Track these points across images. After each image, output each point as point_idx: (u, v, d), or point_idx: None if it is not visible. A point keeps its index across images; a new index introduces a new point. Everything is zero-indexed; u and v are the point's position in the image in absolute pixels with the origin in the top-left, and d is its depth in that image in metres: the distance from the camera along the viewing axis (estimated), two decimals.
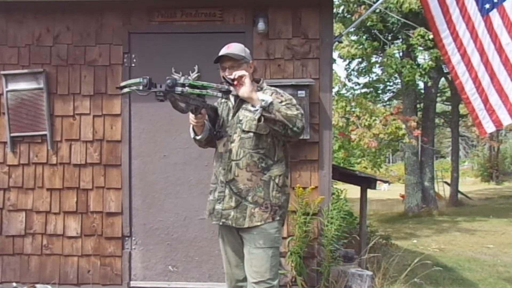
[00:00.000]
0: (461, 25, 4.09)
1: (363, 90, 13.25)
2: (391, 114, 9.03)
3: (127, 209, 4.00)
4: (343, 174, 5.03)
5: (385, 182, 7.59)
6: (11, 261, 4.06)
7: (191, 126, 2.49)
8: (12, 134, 4.03)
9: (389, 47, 10.61)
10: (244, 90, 2.22)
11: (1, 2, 3.93)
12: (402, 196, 13.82)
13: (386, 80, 13.94)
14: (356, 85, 13.38)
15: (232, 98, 2.51)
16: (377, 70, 12.94)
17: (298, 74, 3.94)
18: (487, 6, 3.98)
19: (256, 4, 3.94)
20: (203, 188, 3.86)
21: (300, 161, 3.91)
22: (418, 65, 10.91)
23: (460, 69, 4.13)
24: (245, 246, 2.44)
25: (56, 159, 4.04)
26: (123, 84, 2.16)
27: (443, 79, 14.69)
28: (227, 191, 2.43)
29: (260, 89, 2.50)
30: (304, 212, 3.77)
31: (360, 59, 12.01)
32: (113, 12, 4.03)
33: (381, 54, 11.49)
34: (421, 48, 10.51)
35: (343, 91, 11.55)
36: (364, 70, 12.35)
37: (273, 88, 2.52)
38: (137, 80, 2.06)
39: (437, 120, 17.37)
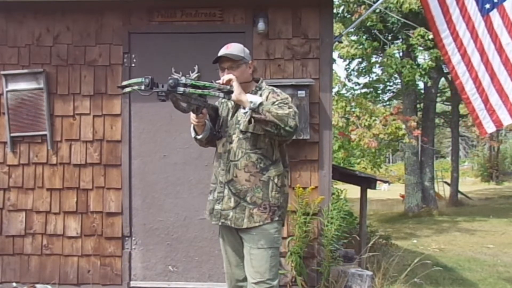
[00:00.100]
0: (461, 25, 4.09)
1: (363, 90, 13.24)
2: (391, 114, 9.03)
3: (127, 209, 4.00)
4: (343, 174, 5.03)
5: (385, 182, 7.58)
6: (11, 261, 4.06)
7: (192, 125, 2.49)
8: (12, 134, 4.03)
9: (389, 47, 10.61)
10: (233, 94, 2.24)
11: (1, 2, 3.93)
12: (402, 196, 13.82)
13: (386, 80, 13.94)
14: (356, 85, 13.40)
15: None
16: (377, 70, 12.96)
17: (298, 74, 3.94)
18: (487, 6, 3.98)
19: (256, 4, 3.94)
20: (203, 188, 3.86)
21: (300, 161, 3.91)
22: (418, 65, 10.91)
23: (460, 69, 4.13)
24: (245, 246, 2.44)
25: (56, 159, 4.04)
26: (125, 83, 2.16)
27: (443, 79, 14.70)
28: (226, 191, 2.43)
29: (259, 88, 2.50)
30: (304, 212, 3.77)
31: (360, 59, 12.01)
32: (113, 12, 4.03)
33: (381, 54, 11.49)
34: (421, 48, 10.51)
35: (343, 91, 11.55)
36: (364, 70, 12.34)
37: (270, 87, 2.52)
38: (139, 79, 2.06)
39: (437, 120, 17.38)
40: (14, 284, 4.04)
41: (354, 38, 11.35)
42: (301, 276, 3.76)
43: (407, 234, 9.00)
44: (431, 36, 8.19)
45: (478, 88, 4.08)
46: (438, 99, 16.12)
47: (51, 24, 4.06)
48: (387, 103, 16.02)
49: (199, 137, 2.51)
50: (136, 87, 2.08)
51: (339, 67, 55.11)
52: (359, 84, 13.72)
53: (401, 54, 11.45)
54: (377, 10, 9.61)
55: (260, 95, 2.45)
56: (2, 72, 4.02)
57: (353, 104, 9.18)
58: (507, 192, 19.36)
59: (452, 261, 6.19)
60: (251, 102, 2.20)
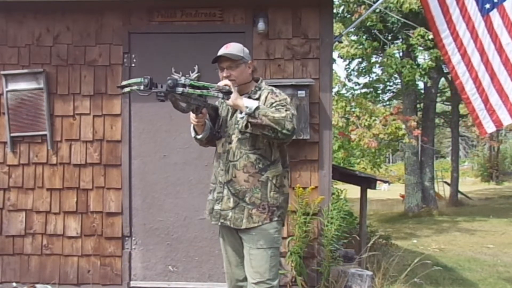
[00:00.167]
0: (461, 25, 4.09)
1: (363, 90, 13.24)
2: (391, 114, 9.03)
3: (127, 209, 4.00)
4: (343, 174, 5.03)
5: (385, 182, 7.59)
6: (11, 261, 4.06)
7: (192, 125, 2.49)
8: (12, 134, 4.03)
9: (389, 47, 10.61)
10: (229, 99, 2.25)
11: (1, 2, 3.93)
12: (402, 196, 13.82)
13: (386, 80, 13.94)
14: (356, 85, 13.39)
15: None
16: (377, 70, 12.96)
17: (298, 74, 3.94)
18: (487, 6, 3.98)
19: (256, 4, 3.94)
20: (203, 188, 3.86)
21: (300, 161, 3.91)
22: (418, 65, 10.90)
23: (460, 69, 4.13)
24: (245, 246, 2.44)
25: (56, 159, 4.04)
26: (124, 83, 2.16)
27: (443, 79, 14.70)
28: (225, 191, 2.43)
29: (259, 88, 2.50)
30: (304, 212, 3.77)
31: (360, 59, 12.00)
32: (113, 12, 4.03)
33: (381, 54, 11.49)
34: (421, 48, 10.51)
35: (343, 91, 11.55)
36: (364, 70, 12.34)
37: (270, 87, 2.51)
38: (138, 80, 2.06)
39: (437, 120, 17.38)
40: (14, 284, 4.04)
41: (354, 38, 11.35)
42: (301, 276, 3.76)
43: (407, 234, 9.00)
44: (431, 36, 8.19)
45: (478, 88, 4.08)
46: (438, 99, 16.11)
47: (51, 24, 4.06)
48: (387, 103, 16.01)
49: (199, 137, 2.51)
50: (135, 87, 2.08)
51: (339, 67, 55.12)
52: (359, 84, 13.73)
53: (401, 54, 11.45)
54: (377, 10, 9.61)
55: (260, 95, 2.45)
56: (2, 72, 4.02)
57: (353, 104, 9.18)
58: (507, 192, 19.36)
59: (452, 261, 6.19)
60: (247, 107, 2.20)
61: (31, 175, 4.05)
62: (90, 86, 4.03)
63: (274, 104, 2.34)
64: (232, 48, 2.45)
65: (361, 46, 9.82)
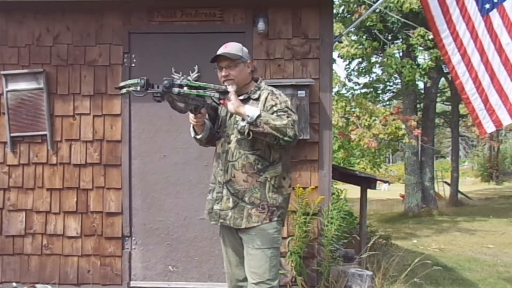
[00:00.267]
0: (461, 25, 4.09)
1: (363, 90, 13.24)
2: (391, 114, 9.02)
3: (127, 209, 4.00)
4: (343, 174, 5.03)
5: (385, 182, 7.59)
6: (11, 261, 4.06)
7: (192, 125, 2.49)
8: (12, 134, 4.03)
9: (389, 47, 10.61)
10: (230, 107, 2.26)
11: (1, 2, 3.93)
12: (402, 196, 13.82)
13: (386, 80, 13.94)
14: (356, 85, 13.40)
15: None
16: (377, 70, 12.96)
17: (298, 74, 3.94)
18: (487, 6, 3.98)
19: (256, 4, 3.94)
20: (203, 188, 3.85)
21: (300, 161, 3.91)
22: (418, 65, 10.90)
23: (460, 69, 4.13)
24: (244, 247, 2.44)
25: (56, 159, 4.04)
26: (121, 84, 2.16)
27: (443, 79, 14.69)
28: (225, 191, 2.43)
29: (258, 88, 2.49)
30: (304, 212, 3.77)
31: (360, 59, 12.00)
32: (113, 12, 4.03)
33: (381, 54, 11.49)
34: (421, 48, 10.52)
35: (343, 91, 11.55)
36: (364, 70, 12.34)
37: (270, 88, 2.50)
38: (135, 81, 2.06)
39: (437, 120, 17.38)
40: (14, 284, 4.04)
41: (354, 38, 11.35)
42: (301, 276, 3.76)
43: (407, 234, 9.00)
44: (431, 36, 8.20)
45: (478, 88, 4.08)
46: (438, 99, 16.11)
47: (51, 24, 4.06)
48: (387, 103, 16.02)
49: (198, 137, 2.51)
50: (131, 88, 2.08)
51: (339, 67, 55.12)
52: (359, 84, 13.73)
53: (401, 54, 11.45)
54: (377, 10, 9.61)
55: (259, 95, 2.45)
56: (2, 72, 4.02)
57: (353, 104, 9.18)
58: (507, 192, 19.36)
59: (452, 261, 6.19)
60: (248, 116, 2.20)
61: (31, 175, 4.05)
62: (90, 86, 4.04)
63: (275, 109, 2.34)
64: (231, 47, 2.45)
65: (361, 46, 9.82)
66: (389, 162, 31.53)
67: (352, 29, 10.72)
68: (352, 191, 6.31)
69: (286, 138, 2.25)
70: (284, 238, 3.74)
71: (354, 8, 9.98)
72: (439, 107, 18.68)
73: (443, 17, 4.15)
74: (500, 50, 3.95)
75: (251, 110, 2.23)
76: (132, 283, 4.00)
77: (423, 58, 11.81)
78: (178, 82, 2.08)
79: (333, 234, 3.74)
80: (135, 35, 4.03)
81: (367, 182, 4.88)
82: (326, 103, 3.93)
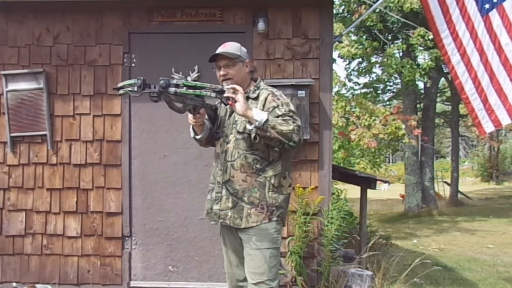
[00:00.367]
0: (461, 25, 4.10)
1: (363, 90, 13.24)
2: (391, 114, 9.02)
3: (127, 209, 4.00)
4: (343, 174, 5.03)
5: (385, 182, 7.59)
6: (11, 261, 4.06)
7: (191, 125, 2.49)
8: (12, 134, 4.03)
9: (389, 47, 10.61)
10: (239, 109, 2.21)
11: (1, 2, 3.93)
12: (402, 196, 13.82)
13: (386, 80, 13.94)
14: (356, 85, 13.39)
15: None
16: (377, 70, 12.96)
17: (298, 74, 3.94)
18: (487, 6, 3.98)
19: (256, 4, 3.94)
20: (203, 188, 3.85)
21: (300, 161, 3.91)
22: (418, 65, 10.91)
23: (460, 69, 4.14)
24: (244, 247, 2.43)
25: (56, 159, 4.04)
26: (119, 85, 2.17)
27: (443, 79, 14.69)
28: (224, 191, 2.43)
29: (257, 88, 2.49)
30: (304, 212, 3.77)
31: (360, 59, 12.01)
32: (113, 12, 4.03)
33: (381, 54, 11.49)
34: (421, 48, 10.52)
35: (343, 91, 11.55)
36: (364, 70, 12.35)
37: (270, 89, 2.49)
38: (132, 81, 2.07)
39: (437, 120, 17.38)
40: (14, 284, 4.04)
41: (354, 38, 11.35)
42: (301, 276, 3.76)
43: (407, 234, 9.00)
44: (431, 36, 8.20)
45: (477, 88, 4.08)
46: (438, 99, 16.11)
47: (51, 24, 4.06)
48: (387, 103, 16.02)
49: (198, 137, 2.51)
50: (129, 89, 2.08)
51: (339, 67, 55.12)
52: (359, 84, 13.73)
53: (401, 54, 11.45)
54: (377, 10, 9.61)
55: (258, 95, 2.45)
56: (2, 72, 4.02)
57: (353, 104, 9.18)
58: (507, 192, 19.36)
59: (452, 261, 6.19)
60: (256, 120, 2.18)
61: (31, 175, 4.05)
62: (90, 86, 4.04)
63: (278, 112, 2.33)
64: (229, 47, 2.45)
65: (361, 46, 9.82)
66: (389, 162, 31.54)
67: (352, 29, 10.72)
68: (352, 191, 6.31)
69: (291, 143, 2.26)
70: (284, 238, 3.74)
71: (354, 8, 9.98)
72: (439, 107, 18.69)
73: (443, 17, 4.16)
74: (499, 50, 3.95)
75: (260, 114, 2.21)
76: (132, 283, 4.00)
77: (423, 58, 11.82)
78: (175, 82, 2.08)
79: (333, 234, 3.74)
80: (135, 35, 4.03)
81: (367, 182, 4.88)
82: (326, 103, 3.93)
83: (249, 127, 2.24)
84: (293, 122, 2.30)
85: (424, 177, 13.29)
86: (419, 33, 9.49)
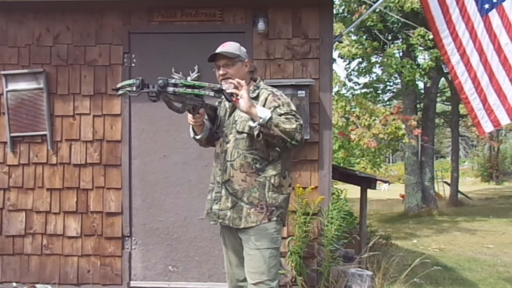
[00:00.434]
0: (460, 25, 4.10)
1: (363, 90, 13.24)
2: (391, 114, 9.02)
3: (127, 209, 4.01)
4: (343, 174, 5.03)
5: (385, 182, 7.59)
6: (11, 261, 4.06)
7: (191, 125, 2.49)
8: (12, 134, 4.03)
9: (389, 47, 10.61)
10: (243, 105, 2.19)
11: (1, 2, 3.93)
12: (402, 196, 13.81)
13: (386, 80, 13.93)
14: (356, 85, 13.40)
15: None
16: (377, 70, 12.96)
17: (298, 74, 3.94)
18: (487, 6, 3.98)
19: (256, 4, 3.94)
20: (203, 188, 3.86)
21: (300, 161, 3.91)
22: (418, 65, 10.90)
23: (459, 69, 4.14)
24: (244, 247, 2.43)
25: (56, 159, 4.04)
26: (118, 85, 2.17)
27: (443, 79, 14.69)
28: (223, 191, 2.42)
29: (257, 88, 2.49)
30: (304, 212, 3.77)
31: (360, 59, 12.01)
32: (113, 12, 4.03)
33: (381, 54, 11.49)
34: (421, 48, 10.51)
35: (343, 91, 11.55)
36: (364, 70, 12.35)
37: (270, 89, 2.49)
38: (131, 81, 2.07)
39: (437, 120, 17.38)
40: (14, 284, 4.04)
41: (354, 38, 11.35)
42: (301, 276, 3.76)
43: (407, 234, 9.00)
44: (431, 36, 8.19)
45: (476, 88, 4.08)
46: (438, 99, 16.11)
47: (51, 24, 4.06)
48: (387, 103, 16.02)
49: (198, 137, 2.51)
50: (127, 89, 2.09)
51: (339, 67, 55.14)
52: (359, 84, 13.73)
53: (401, 54, 11.45)
54: (377, 10, 9.61)
55: (258, 95, 2.45)
56: (2, 72, 4.02)
57: (353, 104, 9.18)
58: (507, 192, 19.36)
59: (452, 261, 6.19)
60: (260, 117, 2.17)
61: (31, 175, 4.05)
62: (90, 86, 4.04)
63: (280, 111, 2.32)
64: (229, 46, 2.46)
65: (361, 46, 9.82)
66: (389, 162, 31.55)
67: (352, 29, 10.72)
68: (352, 191, 6.31)
69: (293, 142, 2.26)
70: (284, 238, 3.73)
71: (354, 8, 9.98)
72: (439, 107, 18.69)
73: (443, 17, 4.16)
74: (499, 50, 3.95)
75: (263, 112, 2.20)
76: (132, 283, 4.00)
77: (423, 58, 11.82)
78: (173, 81, 2.08)
79: (333, 234, 3.74)
80: (135, 35, 4.03)
81: (367, 182, 4.88)
82: (326, 103, 3.94)
83: (252, 124, 2.22)
84: (296, 121, 2.30)
85: (424, 177, 13.29)
86: (419, 33, 9.49)
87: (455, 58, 4.16)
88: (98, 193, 4.03)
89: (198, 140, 2.54)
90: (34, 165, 4.05)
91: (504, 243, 7.87)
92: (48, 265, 4.05)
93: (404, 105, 12.68)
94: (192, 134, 2.55)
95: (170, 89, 2.06)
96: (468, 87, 4.12)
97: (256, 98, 2.43)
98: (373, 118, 8.64)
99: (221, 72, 2.43)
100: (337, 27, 8.60)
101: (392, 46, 10.69)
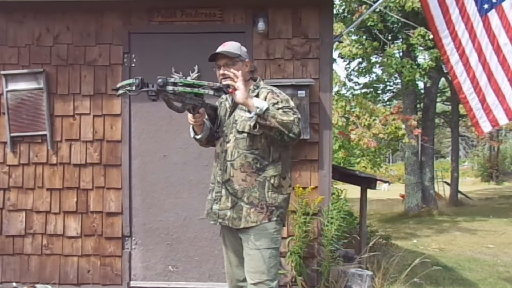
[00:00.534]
0: (460, 25, 4.10)
1: (363, 90, 13.24)
2: (391, 113, 9.02)
3: (127, 209, 4.01)
4: (343, 174, 5.03)
5: (385, 182, 7.60)
6: (11, 261, 4.06)
7: (191, 125, 2.49)
8: (12, 134, 4.04)
9: (389, 47, 10.61)
10: (239, 96, 2.19)
11: (1, 2, 3.93)
12: (402, 196, 13.81)
13: (386, 80, 13.93)
14: (356, 85, 13.39)
15: (229, 98, 2.50)
16: (377, 70, 12.95)
17: (298, 74, 3.94)
18: (486, 6, 3.98)
19: (256, 4, 3.94)
20: (203, 188, 3.86)
21: (300, 161, 3.91)
22: (418, 65, 10.90)
23: (458, 69, 4.14)
24: (244, 247, 2.43)
25: (56, 159, 4.04)
26: (118, 85, 2.17)
27: (443, 79, 14.70)
28: (223, 191, 2.43)
29: (257, 87, 2.49)
30: (304, 212, 3.77)
31: (360, 59, 12.00)
32: (113, 12, 4.03)
33: (381, 54, 11.49)
34: (421, 48, 10.51)
35: (343, 91, 11.55)
36: (364, 70, 12.35)
37: (269, 87, 2.49)
38: (130, 81, 2.07)
39: (437, 120, 17.38)
40: (14, 284, 4.04)
41: (354, 37, 11.35)
42: (301, 276, 3.76)
43: (407, 234, 9.00)
44: (431, 36, 8.17)
45: (475, 88, 4.09)
46: (438, 99, 16.12)
47: (51, 24, 4.07)
48: (387, 103, 16.02)
49: (198, 137, 2.51)
50: (127, 88, 2.09)
51: (339, 67, 55.14)
52: (359, 84, 13.74)
53: (401, 54, 11.45)
54: (377, 10, 9.61)
55: (257, 94, 2.44)
56: (2, 72, 4.02)
57: (353, 104, 9.17)
58: (507, 192, 19.36)
59: (452, 261, 6.19)
60: (257, 107, 2.17)
61: (31, 175, 4.05)
62: (90, 86, 4.04)
63: (279, 106, 2.32)
64: (229, 46, 2.46)
65: (361, 46, 9.82)
66: (389, 162, 31.53)
67: (352, 29, 10.72)
68: (352, 191, 6.31)
69: (291, 135, 2.24)
70: (284, 238, 3.74)
71: (354, 8, 9.97)
72: (439, 107, 18.69)
73: (443, 17, 4.16)
74: (497, 50, 3.95)
75: (260, 103, 2.20)
76: (132, 283, 4.01)
77: (423, 58, 11.82)
78: (172, 80, 2.08)
79: (333, 234, 3.74)
80: (135, 35, 4.03)
81: (367, 182, 4.88)
82: (326, 103, 3.94)
83: (249, 115, 2.22)
84: (293, 114, 2.29)
85: (424, 177, 13.28)
86: (419, 33, 9.49)
87: (454, 58, 4.16)
88: (98, 193, 4.03)
89: (198, 140, 2.54)
90: (34, 165, 4.05)
91: (504, 243, 7.86)
92: (48, 265, 4.05)
93: (404, 105, 12.68)
94: (192, 134, 2.55)
95: (170, 88, 2.06)
96: (466, 87, 4.12)
97: (256, 97, 2.43)
98: (373, 118, 8.64)
99: (221, 72, 2.43)
100: (337, 27, 8.60)
101: (392, 46, 10.68)
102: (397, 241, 7.58)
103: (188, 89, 2.14)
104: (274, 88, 2.48)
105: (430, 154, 13.83)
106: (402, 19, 9.58)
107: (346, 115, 8.84)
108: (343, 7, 11.17)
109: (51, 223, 4.04)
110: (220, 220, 2.44)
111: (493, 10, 3.95)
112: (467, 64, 4.09)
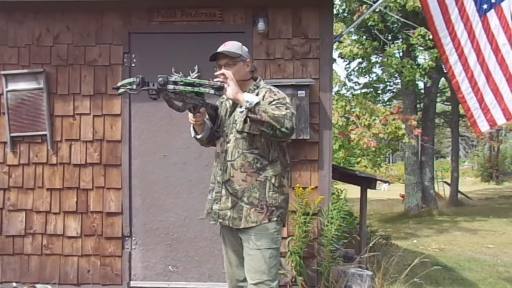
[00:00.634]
0: (459, 25, 4.10)
1: (363, 90, 13.23)
2: (391, 113, 9.02)
3: (127, 209, 4.01)
4: (343, 174, 5.03)
5: (385, 182, 7.60)
6: (11, 261, 4.06)
7: (192, 125, 2.49)
8: (12, 134, 4.04)
9: (389, 47, 10.60)
10: (230, 92, 2.21)
11: (1, 2, 3.93)
12: (402, 196, 13.81)
13: (386, 80, 13.92)
14: (356, 85, 13.39)
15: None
16: (377, 70, 12.95)
17: (298, 74, 3.94)
18: (485, 6, 3.98)
19: (256, 4, 3.94)
20: (203, 188, 3.86)
21: (300, 161, 3.91)
22: (418, 65, 10.90)
23: (457, 69, 4.15)
24: (244, 247, 2.43)
25: (56, 159, 4.04)
26: (118, 84, 2.17)
27: (443, 79, 14.69)
28: (223, 191, 2.43)
29: (257, 87, 2.49)
30: (304, 212, 3.77)
31: (360, 59, 11.99)
32: (113, 12, 4.03)
33: (381, 54, 11.49)
34: (421, 48, 10.51)
35: (343, 91, 11.55)
36: (364, 70, 12.34)
37: (268, 86, 2.49)
38: (131, 80, 2.08)
39: (437, 120, 17.37)
40: (14, 284, 4.04)
41: (354, 37, 11.35)
42: (301, 276, 3.76)
43: (407, 234, 9.00)
44: (431, 36, 8.16)
45: (473, 88, 4.09)
46: (438, 99, 16.11)
47: (51, 24, 4.07)
48: (387, 103, 16.01)
49: (198, 136, 2.52)
50: (128, 87, 2.09)
51: (339, 67, 55.12)
52: (359, 84, 13.73)
53: (401, 54, 11.45)
54: (377, 10, 9.61)
55: (257, 94, 2.44)
56: (2, 72, 4.02)
57: (353, 103, 9.17)
58: (507, 192, 19.36)
59: (452, 261, 6.19)
60: (247, 101, 2.17)
61: (31, 175, 4.05)
62: (90, 86, 4.04)
63: (273, 103, 2.32)
64: (230, 46, 2.45)
65: (361, 46, 9.82)
66: (389, 162, 31.51)
67: (353, 29, 10.72)
68: (352, 191, 6.31)
69: (283, 129, 2.22)
70: (284, 238, 3.73)
71: (354, 8, 9.97)
72: (439, 107, 18.69)
73: (442, 16, 4.16)
74: (496, 50, 3.96)
75: (251, 97, 2.21)
76: (132, 283, 4.01)
77: (423, 58, 11.81)
78: (173, 79, 2.09)
79: (333, 234, 3.74)
80: (135, 35, 4.03)
81: (367, 182, 4.88)
82: (326, 103, 3.94)
83: (239, 109, 2.23)
84: (286, 109, 2.28)
85: (424, 177, 13.28)
86: (419, 33, 9.49)
87: (453, 58, 4.17)
88: (98, 193, 4.03)
89: (198, 139, 2.54)
90: (34, 165, 4.05)
91: (504, 243, 7.86)
92: (48, 265, 4.05)
93: (404, 105, 12.67)
94: (192, 134, 2.55)
95: (170, 87, 2.06)
96: (465, 87, 4.13)
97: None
98: (373, 118, 8.64)
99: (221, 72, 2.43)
100: (338, 27, 8.60)
101: (392, 46, 10.68)
102: (397, 241, 7.58)
103: (189, 88, 2.14)
104: (272, 87, 2.48)
105: (430, 154, 13.82)
106: (402, 19, 9.58)
107: (346, 115, 8.84)
108: (343, 7, 11.17)
109: (51, 223, 4.04)
110: (220, 220, 2.44)
111: (492, 11, 3.95)
112: (465, 64, 4.10)
